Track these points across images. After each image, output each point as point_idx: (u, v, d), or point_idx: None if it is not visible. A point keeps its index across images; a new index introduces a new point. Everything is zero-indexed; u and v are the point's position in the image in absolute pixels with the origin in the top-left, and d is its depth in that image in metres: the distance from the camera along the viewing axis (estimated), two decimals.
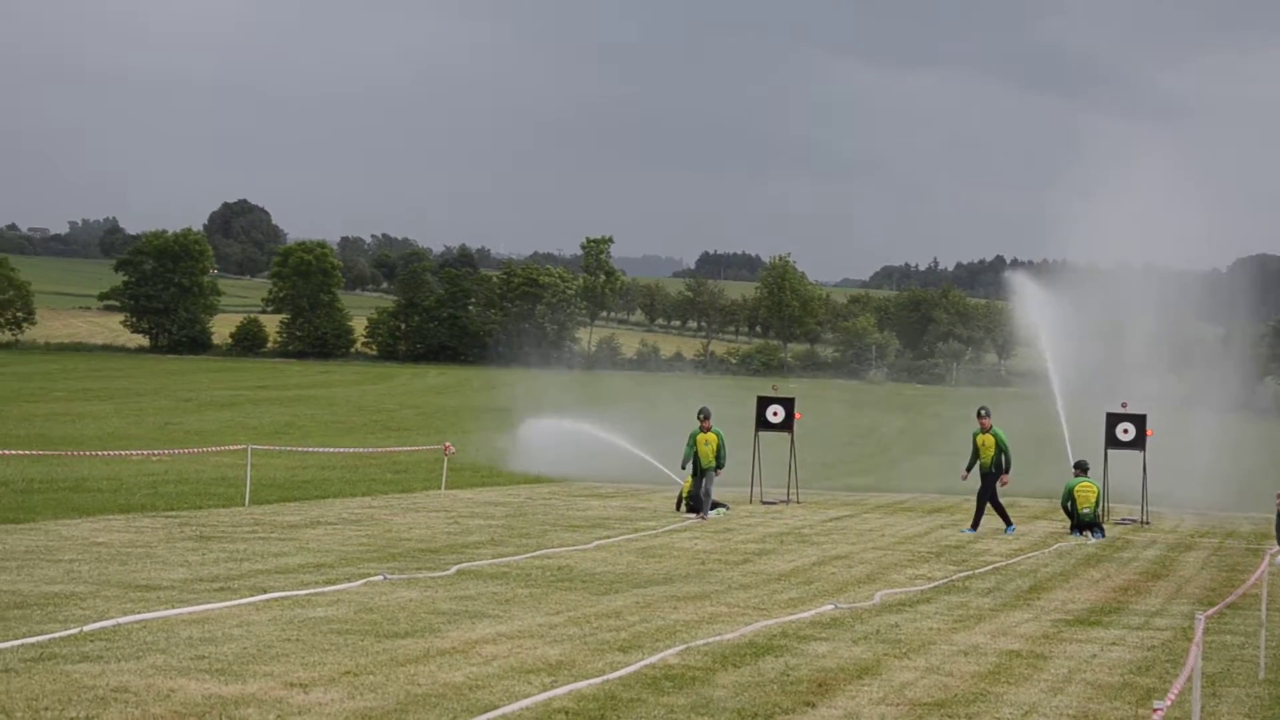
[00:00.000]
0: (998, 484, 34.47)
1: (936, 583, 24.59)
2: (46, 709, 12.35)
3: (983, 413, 35.45)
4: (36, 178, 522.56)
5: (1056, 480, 39.04)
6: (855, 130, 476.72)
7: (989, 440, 34.48)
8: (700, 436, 35.87)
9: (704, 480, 35.59)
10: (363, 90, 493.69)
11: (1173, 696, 7.91)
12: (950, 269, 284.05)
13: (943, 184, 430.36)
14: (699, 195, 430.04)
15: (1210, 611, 14.13)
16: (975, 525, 34.23)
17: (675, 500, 36.09)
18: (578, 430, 48.05)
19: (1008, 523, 34.47)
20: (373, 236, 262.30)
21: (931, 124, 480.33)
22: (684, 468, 36.30)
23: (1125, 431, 39.67)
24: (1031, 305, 51.91)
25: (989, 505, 34.53)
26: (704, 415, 36.74)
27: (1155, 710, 7.32)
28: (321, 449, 49.91)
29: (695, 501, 35.27)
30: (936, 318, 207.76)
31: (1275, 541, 30.29)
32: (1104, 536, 34.05)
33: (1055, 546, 31.72)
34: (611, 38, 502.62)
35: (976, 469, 34.94)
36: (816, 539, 31.50)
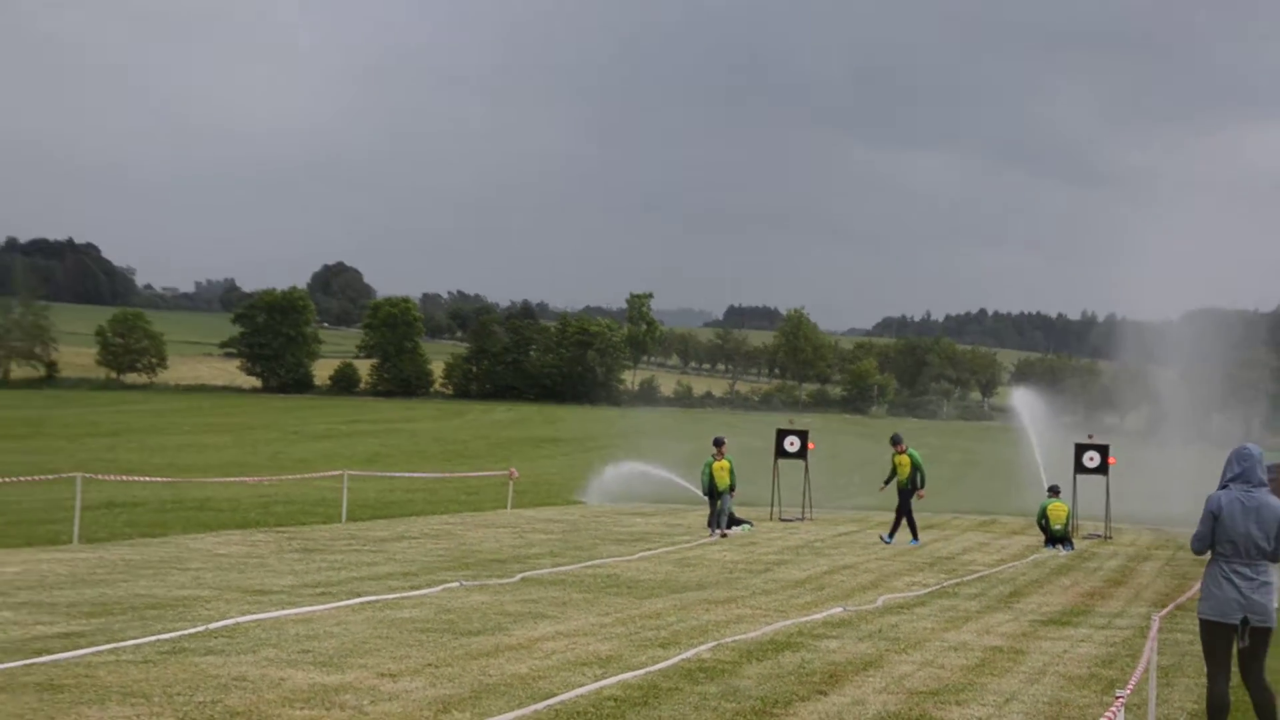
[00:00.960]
0: (913, 498, 34.32)
1: (930, 589, 24.54)
2: (178, 694, 12.45)
3: (895, 439, 35.54)
4: (168, 242, 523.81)
5: (1032, 501, 39.05)
6: (858, 200, 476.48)
7: (905, 460, 34.44)
8: (715, 464, 35.71)
9: (721, 501, 35.56)
10: (437, 173, 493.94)
11: (1132, 685, 7.94)
12: (940, 319, 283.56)
13: (932, 246, 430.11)
14: (726, 257, 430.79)
15: (1163, 612, 14.17)
16: (892, 535, 34.01)
17: (707, 518, 36.06)
18: (631, 468, 48.29)
19: (914, 535, 34.18)
20: (449, 293, 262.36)
21: (922, 195, 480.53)
22: (705, 493, 36.21)
23: (1091, 459, 39.79)
24: (1024, 412, 51.95)
25: (904, 518, 34.29)
26: (718, 444, 36.61)
27: (1118, 697, 7.35)
28: (405, 474, 49.89)
29: (715, 520, 35.26)
30: (929, 361, 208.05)
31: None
32: (1073, 549, 33.96)
33: (1031, 558, 31.63)
34: (653, 129, 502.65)
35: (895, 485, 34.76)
36: (827, 551, 31.42)
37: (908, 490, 34.23)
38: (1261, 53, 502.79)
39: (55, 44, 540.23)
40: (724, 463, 35.86)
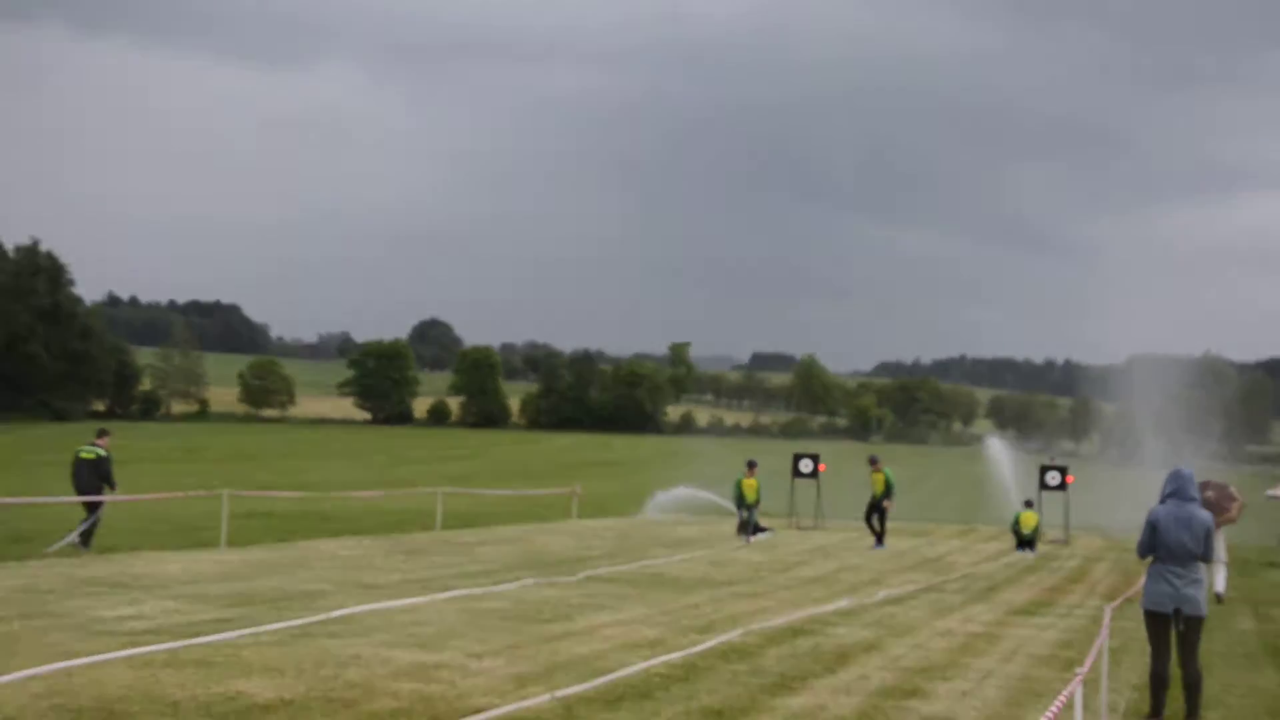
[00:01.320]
0: (884, 507, 34.28)
1: (921, 585, 24.44)
2: (306, 669, 12.49)
3: (872, 460, 35.61)
4: (296, 302, 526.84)
5: (1006, 513, 38.95)
6: (861, 266, 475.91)
7: (880, 477, 34.34)
8: (746, 481, 35.75)
9: (749, 512, 35.53)
10: (512, 242, 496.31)
11: (1088, 664, 7.91)
12: (928, 363, 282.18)
13: (920, 303, 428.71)
14: (751, 311, 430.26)
15: (1113, 605, 14.15)
16: (880, 542, 33.87)
17: (737, 526, 36.01)
18: (681, 491, 48.47)
19: (879, 541, 33.92)
20: (523, 342, 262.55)
21: (912, 262, 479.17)
22: (736, 505, 36.23)
23: (1053, 478, 39.92)
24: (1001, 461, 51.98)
25: (878, 523, 34.29)
26: (751, 465, 36.68)
27: (1076, 674, 7.33)
28: (488, 491, 49.91)
29: (746, 529, 35.30)
30: (919, 398, 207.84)
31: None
32: (1036, 553, 33.91)
33: (1004, 560, 31.51)
34: (689, 206, 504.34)
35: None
36: (836, 554, 31.31)
37: (879, 504, 34.20)
38: (1183, 147, 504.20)
39: (207, 140, 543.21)
40: (752, 481, 35.86)
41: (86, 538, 23.18)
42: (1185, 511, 11.83)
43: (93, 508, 23.24)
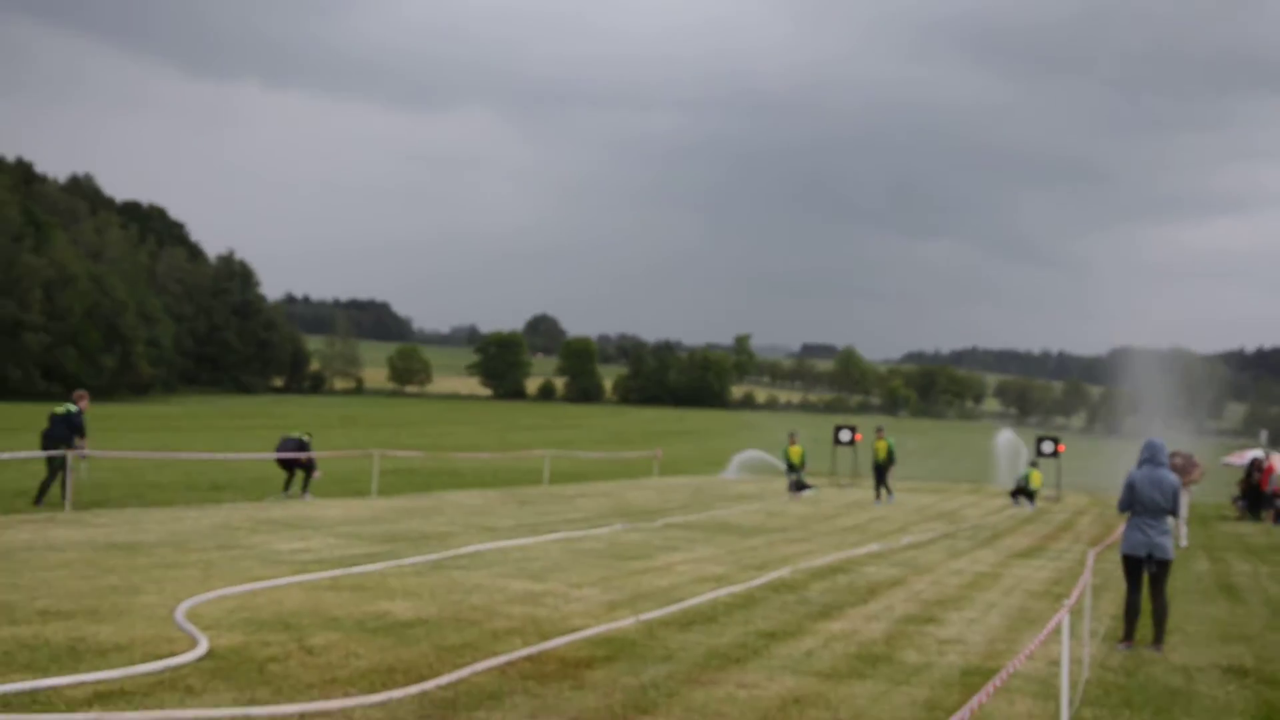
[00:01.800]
0: (888, 471, 34.03)
1: (938, 533, 24.24)
2: (439, 594, 12.55)
3: (879, 430, 35.50)
4: (434, 300, 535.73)
5: (1007, 480, 38.67)
6: (892, 271, 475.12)
7: (883, 445, 34.07)
8: (791, 449, 35.83)
9: (795, 474, 35.51)
10: (608, 252, 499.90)
11: (1074, 598, 7.82)
12: (946, 353, 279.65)
13: (941, 303, 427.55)
14: (801, 309, 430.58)
15: (1096, 550, 13.93)
16: (878, 498, 33.44)
17: (788, 485, 35.92)
18: (750, 460, 48.68)
19: (878, 497, 33.56)
20: (616, 333, 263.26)
21: (935, 269, 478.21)
22: (787, 468, 36.14)
23: (1048, 447, 39.53)
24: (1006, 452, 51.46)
25: (885, 486, 34.00)
26: (792, 436, 36.82)
27: (1064, 605, 7.25)
28: (586, 454, 50.08)
29: (794, 486, 35.27)
30: (938, 381, 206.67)
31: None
32: (1035, 506, 33.69)
33: (1007, 513, 31.21)
34: (750, 223, 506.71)
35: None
36: (868, 508, 31.16)
37: (881, 466, 33.92)
38: (1154, 179, 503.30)
39: (365, 170, 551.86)
40: (797, 448, 35.84)
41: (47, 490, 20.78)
42: (1157, 474, 11.82)
43: (58, 462, 20.53)
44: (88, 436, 20.73)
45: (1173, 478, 11.86)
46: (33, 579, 12.25)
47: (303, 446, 24.61)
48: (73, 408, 20.49)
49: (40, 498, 19.99)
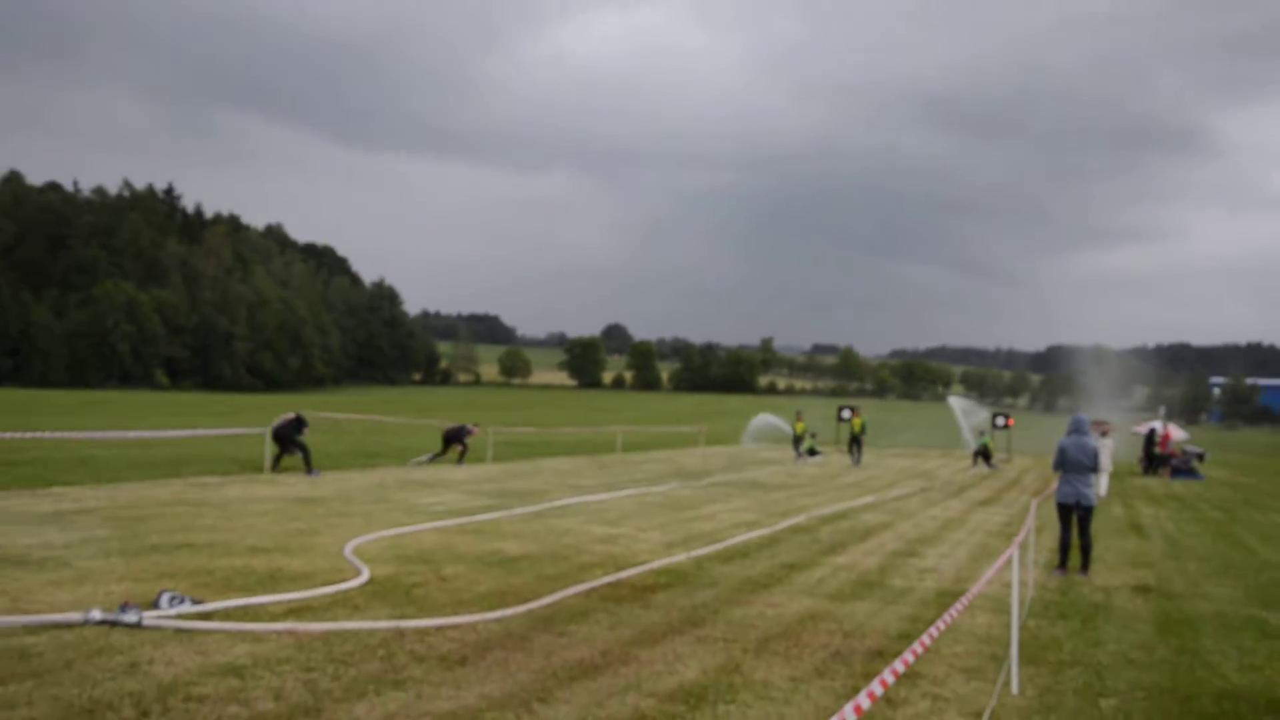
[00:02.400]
0: (860, 440, 33.75)
1: (917, 488, 24.03)
2: (538, 536, 12.65)
3: (854, 409, 35.61)
4: (534, 310, 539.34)
5: (966, 424, 38.34)
6: (883, 288, 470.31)
7: (858, 421, 34.00)
8: (797, 424, 35.88)
9: (799, 443, 35.40)
10: (671, 277, 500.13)
11: (1022, 536, 7.79)
12: (923, 349, 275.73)
13: (921, 312, 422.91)
14: (811, 316, 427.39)
15: (1037, 500, 13.78)
16: (855, 462, 32.70)
17: (798, 454, 35.78)
18: (763, 422, 48.56)
19: (857, 461, 32.88)
20: (671, 337, 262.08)
21: (917, 286, 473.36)
22: (794, 441, 35.91)
23: (1000, 420, 39.27)
24: (961, 414, 51.03)
25: (857, 450, 33.51)
26: (798, 415, 37.03)
27: (1014, 542, 7.23)
28: (648, 428, 50.12)
29: (808, 453, 35.18)
30: (916, 372, 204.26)
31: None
32: (992, 467, 33.35)
33: (970, 471, 30.92)
34: (774, 251, 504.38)
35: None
36: (868, 468, 30.96)
37: (857, 436, 33.77)
38: (1082, 216, 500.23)
39: (480, 214, 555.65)
40: (801, 424, 35.86)
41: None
42: (1081, 441, 11.80)
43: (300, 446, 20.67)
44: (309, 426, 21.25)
45: (1093, 443, 11.83)
46: (242, 524, 12.51)
47: (463, 431, 25.17)
48: (303, 415, 21.24)
49: (276, 464, 20.46)
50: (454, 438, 25.27)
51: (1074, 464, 11.81)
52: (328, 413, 28.62)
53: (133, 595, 8.13)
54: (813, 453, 35.83)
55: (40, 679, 6.03)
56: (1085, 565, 11.82)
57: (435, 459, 25.01)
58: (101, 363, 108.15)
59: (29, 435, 19.16)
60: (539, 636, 7.63)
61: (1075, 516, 11.92)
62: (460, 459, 24.81)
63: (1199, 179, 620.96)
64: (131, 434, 24.18)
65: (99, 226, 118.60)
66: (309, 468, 20.00)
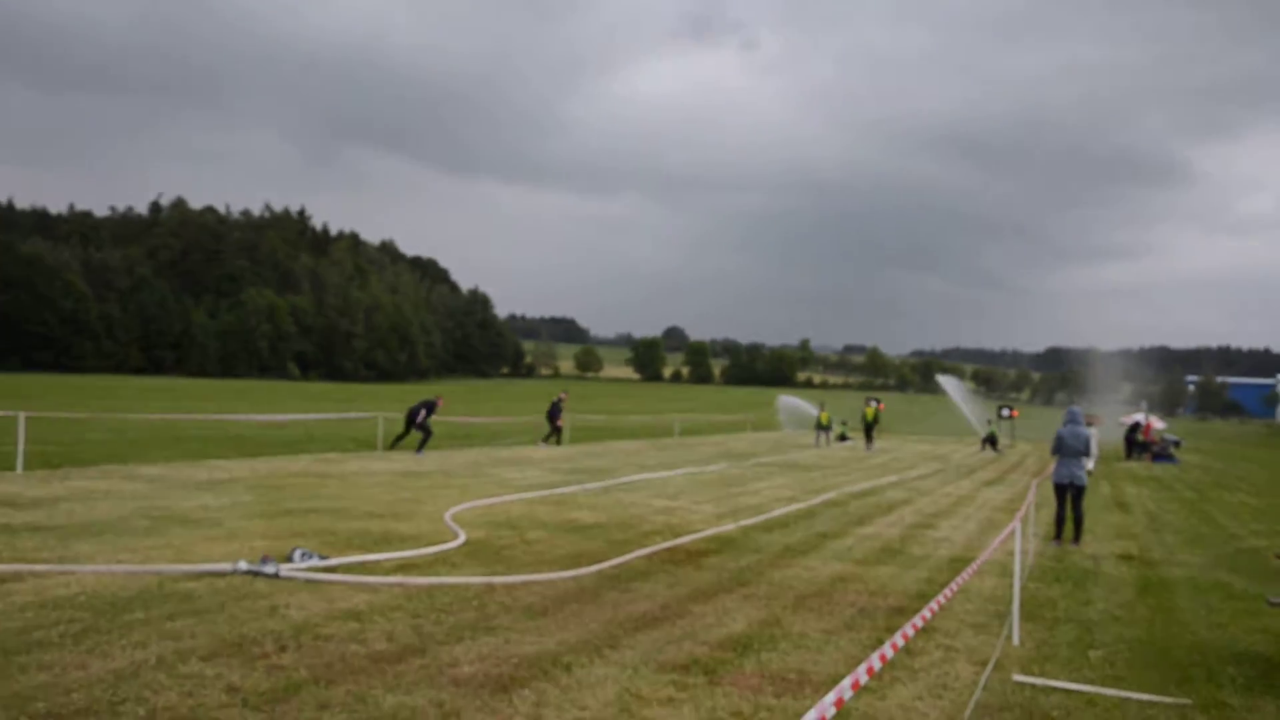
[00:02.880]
0: (874, 428, 32.64)
1: (934, 469, 23.72)
2: (608, 507, 12.69)
3: (873, 400, 34.70)
4: (604, 313, 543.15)
5: (975, 433, 37.66)
6: (903, 294, 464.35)
7: (871, 410, 32.76)
8: (821, 414, 34.72)
9: (825, 431, 34.33)
10: (719, 287, 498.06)
11: (1023, 511, 7.67)
12: (939, 350, 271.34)
13: (936, 316, 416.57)
14: (843, 320, 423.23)
15: (1037, 480, 13.55)
16: (868, 447, 31.52)
17: (814, 439, 35.39)
18: (787, 402, 48.43)
19: (868, 446, 31.58)
20: (722, 337, 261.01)
21: (933, 295, 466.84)
22: (818, 427, 34.83)
23: (1005, 411, 38.66)
24: (953, 391, 50.35)
25: (871, 437, 32.26)
26: (821, 405, 36.00)
27: (1016, 516, 7.12)
28: (700, 416, 50.01)
29: (838, 439, 34.73)
30: (933, 369, 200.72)
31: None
32: (999, 452, 32.76)
33: (979, 455, 30.42)
34: (809, 264, 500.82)
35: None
36: (890, 451, 30.58)
37: (871, 424, 32.65)
38: (1077, 236, 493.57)
39: (557, 233, 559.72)
40: (825, 413, 34.76)
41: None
42: (1075, 430, 11.66)
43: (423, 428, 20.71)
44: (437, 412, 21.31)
45: (1085, 431, 11.75)
46: (360, 493, 12.75)
47: (557, 407, 25.66)
48: (431, 399, 21.43)
49: (396, 444, 20.71)
50: (553, 417, 25.31)
51: (1070, 450, 11.67)
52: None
53: (271, 551, 8.35)
54: (843, 438, 35.46)
55: (200, 617, 6.24)
56: (1077, 536, 11.67)
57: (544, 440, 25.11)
58: (246, 356, 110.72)
59: (190, 417, 19.74)
60: (608, 592, 7.67)
61: (1070, 495, 11.75)
62: (551, 437, 24.97)
63: (1177, 205, 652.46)
64: (270, 417, 24.79)
65: (245, 243, 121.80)
66: (420, 448, 20.24)
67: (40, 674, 5.04)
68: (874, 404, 36.35)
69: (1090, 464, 24.81)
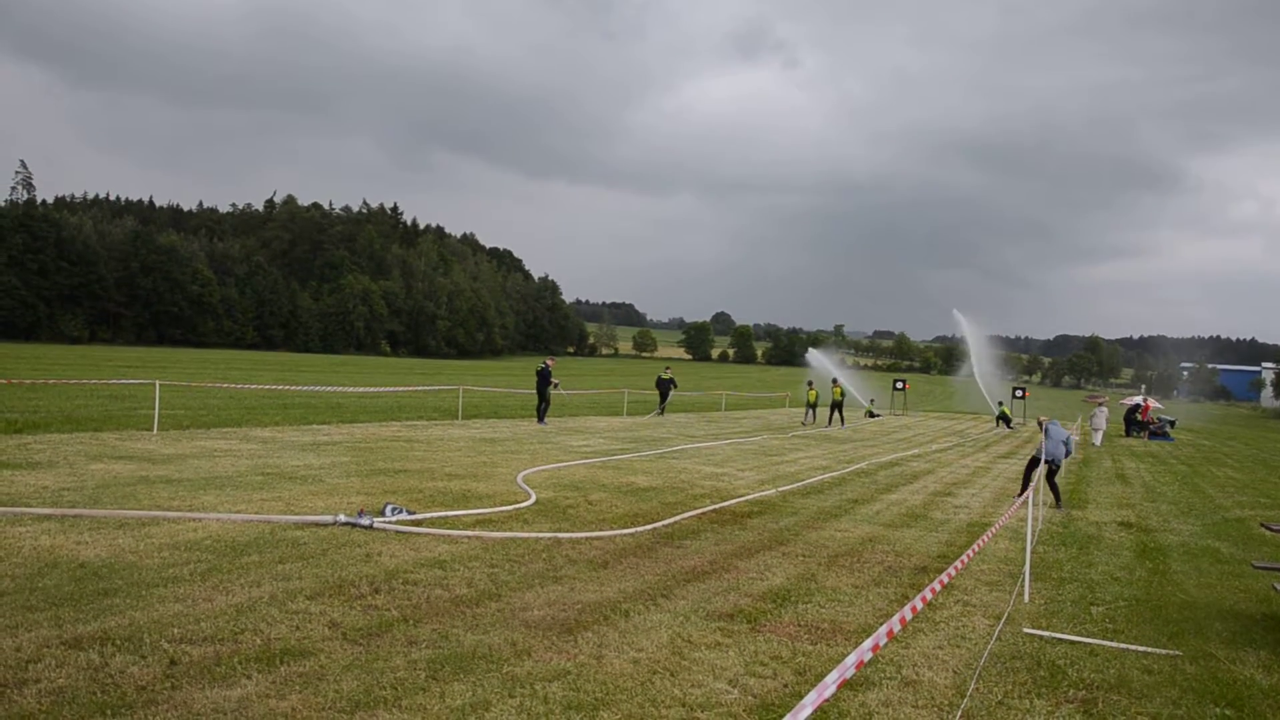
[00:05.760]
0: (841, 407, 28.25)
1: (953, 443, 23.31)
2: (659, 472, 12.69)
3: (896, 383, 34.66)
4: (660, 299, 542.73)
5: (989, 407, 36.90)
6: (930, 287, 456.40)
7: (838, 390, 28.18)
8: (834, 389, 29.26)
9: (839, 407, 29.90)
10: (764, 285, 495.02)
11: (1035, 481, 7.56)
12: (959, 336, 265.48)
13: (962, 309, 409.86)
14: (874, 308, 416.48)
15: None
16: (843, 424, 28.14)
17: (865, 412, 34.93)
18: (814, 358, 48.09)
19: (842, 423, 28.20)
20: (765, 322, 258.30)
21: (951, 289, 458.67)
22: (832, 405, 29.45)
23: (1019, 392, 37.97)
24: (970, 335, 49.40)
25: (838, 414, 28.08)
26: (835, 381, 30.90)
27: (1029, 486, 7.01)
28: (745, 394, 49.72)
29: (869, 416, 34.20)
30: (954, 353, 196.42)
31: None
32: (1012, 429, 32.09)
33: (993, 432, 29.78)
34: (839, 262, 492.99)
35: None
36: (915, 428, 30.08)
37: (838, 403, 28.15)
38: (1086, 236, 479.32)
39: (617, 228, 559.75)
40: (838, 389, 29.44)
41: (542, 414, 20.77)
42: (1055, 434, 11.84)
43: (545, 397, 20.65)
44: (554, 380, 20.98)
45: (1064, 433, 11.97)
46: (442, 456, 12.95)
47: (668, 383, 26.49)
48: (547, 362, 21.02)
49: (541, 417, 20.27)
50: (664, 392, 26.28)
51: (1053, 448, 11.79)
52: (490, 384, 29.32)
53: (366, 505, 8.53)
54: (871, 415, 34.99)
55: (305, 561, 6.42)
56: (1058, 502, 11.87)
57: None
58: (344, 335, 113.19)
59: (296, 388, 20.20)
60: (661, 548, 7.69)
61: (1049, 469, 11.89)
62: (659, 411, 25.59)
63: (1174, 210, 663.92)
64: (364, 389, 25.28)
65: (344, 235, 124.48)
66: (540, 418, 19.82)
67: (175, 604, 5.25)
68: (903, 385, 35.65)
69: (1096, 437, 24.67)
